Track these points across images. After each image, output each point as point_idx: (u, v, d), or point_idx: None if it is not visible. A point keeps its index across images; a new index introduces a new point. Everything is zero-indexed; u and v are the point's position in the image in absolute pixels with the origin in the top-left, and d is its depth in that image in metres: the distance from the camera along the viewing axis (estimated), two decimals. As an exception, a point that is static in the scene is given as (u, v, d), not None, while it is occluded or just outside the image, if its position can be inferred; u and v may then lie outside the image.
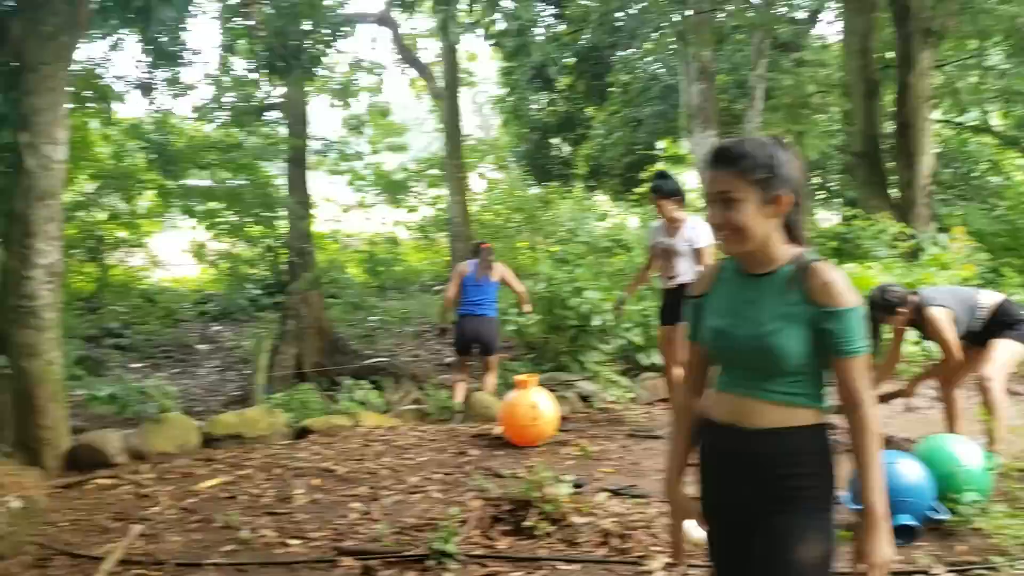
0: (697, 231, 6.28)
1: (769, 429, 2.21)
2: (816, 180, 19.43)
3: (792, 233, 2.24)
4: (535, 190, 20.31)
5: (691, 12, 14.03)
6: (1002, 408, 5.22)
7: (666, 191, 6.31)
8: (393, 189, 19.52)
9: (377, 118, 21.00)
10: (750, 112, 14.99)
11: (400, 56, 19.21)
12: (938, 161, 13.50)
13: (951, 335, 5.26)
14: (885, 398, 5.97)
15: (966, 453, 4.56)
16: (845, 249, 9.95)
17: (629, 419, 6.98)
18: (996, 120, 18.66)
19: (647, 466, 5.80)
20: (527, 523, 4.60)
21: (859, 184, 11.76)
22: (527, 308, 7.34)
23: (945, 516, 4.31)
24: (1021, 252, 10.34)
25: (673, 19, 14.78)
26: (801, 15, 17.49)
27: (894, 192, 11.44)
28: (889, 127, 11.80)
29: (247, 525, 4.79)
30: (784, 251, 2.21)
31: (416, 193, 20.14)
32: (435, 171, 19.94)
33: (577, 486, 5.25)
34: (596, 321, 7.52)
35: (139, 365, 12.70)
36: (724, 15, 14.56)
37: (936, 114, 17.87)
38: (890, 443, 5.78)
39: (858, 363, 2.13)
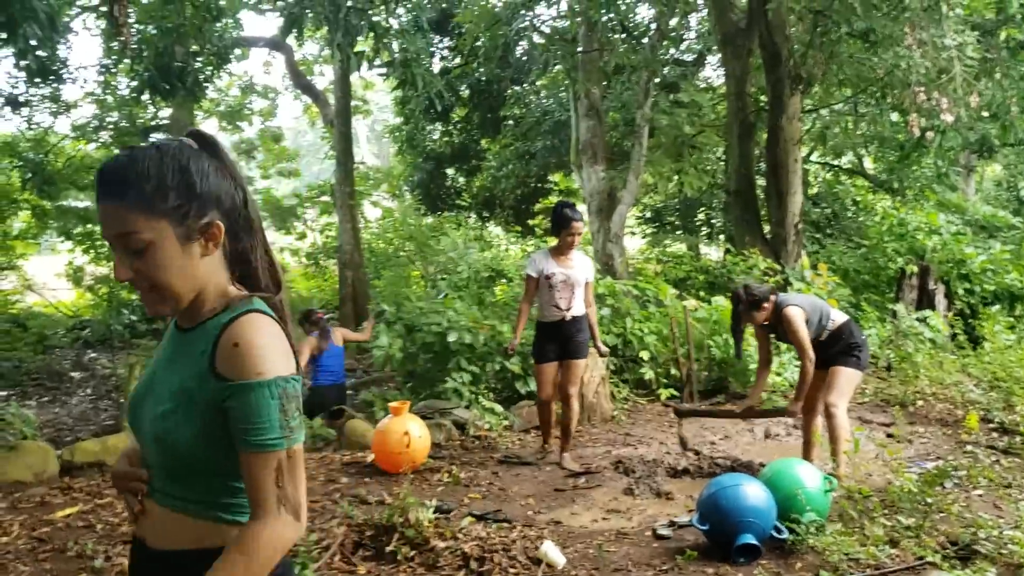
0: (588, 263, 6.56)
1: (172, 551, 1.62)
2: (701, 216, 20.10)
3: (243, 268, 1.67)
4: (428, 220, 20.39)
5: (580, 50, 14.42)
6: (844, 431, 5.51)
7: (581, 219, 6.40)
8: (283, 215, 19.31)
9: (269, 143, 20.82)
10: (636, 149, 15.42)
11: (294, 81, 19.13)
12: (809, 201, 14.18)
13: (805, 335, 5.53)
14: (766, 414, 6.32)
15: (807, 476, 4.81)
16: (717, 282, 10.34)
17: (502, 446, 7.08)
18: (869, 163, 19.68)
19: (514, 492, 5.90)
20: (389, 548, 4.64)
21: (734, 221, 12.22)
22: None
23: (786, 535, 4.53)
24: (880, 289, 10.93)
25: (563, 56, 15.19)
26: (688, 57, 18.16)
27: (767, 229, 11.94)
28: (763, 167, 12.32)
29: (102, 553, 4.68)
30: (221, 296, 1.63)
31: (306, 220, 19.97)
32: (327, 198, 19.82)
33: (443, 511, 5.32)
34: (452, 336, 7.61)
35: (5, 393, 12.18)
36: (610, 55, 14.98)
37: (815, 155, 18.78)
38: (747, 467, 6.04)
39: (266, 461, 1.50)
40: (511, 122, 19.95)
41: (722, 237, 19.48)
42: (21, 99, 11.96)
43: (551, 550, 4.57)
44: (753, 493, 4.60)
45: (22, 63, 6.79)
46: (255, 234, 1.67)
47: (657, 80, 14.67)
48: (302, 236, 19.96)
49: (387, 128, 24.13)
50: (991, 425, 6.90)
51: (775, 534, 4.56)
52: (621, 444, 7.07)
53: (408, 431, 6.22)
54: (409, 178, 21.65)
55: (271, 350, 1.54)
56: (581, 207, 22.79)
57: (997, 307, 9.95)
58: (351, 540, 4.79)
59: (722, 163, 16.99)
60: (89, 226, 15.06)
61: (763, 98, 12.99)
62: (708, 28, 16.23)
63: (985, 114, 10.22)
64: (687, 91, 13.08)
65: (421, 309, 7.92)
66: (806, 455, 5.90)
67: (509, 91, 19.62)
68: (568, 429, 6.47)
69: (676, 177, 18.84)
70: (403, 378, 8.70)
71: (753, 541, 4.43)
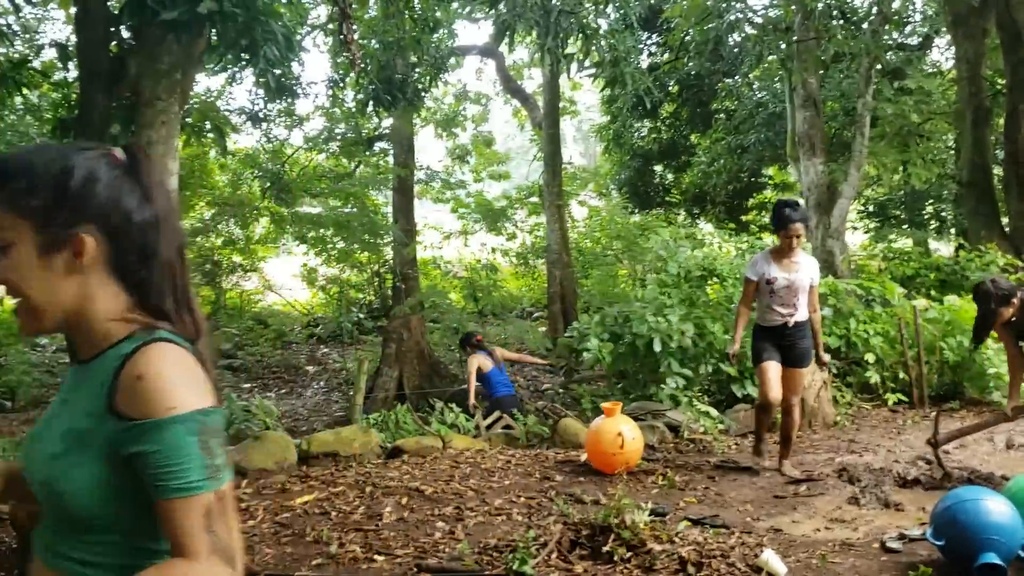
0: (814, 264, 6.20)
1: None
2: (929, 209, 18.86)
3: (145, 295, 1.43)
4: (636, 218, 20.31)
5: (795, 39, 13.90)
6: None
7: (805, 219, 6.06)
8: (493, 217, 19.83)
9: (481, 147, 21.43)
10: (857, 139, 14.68)
11: (504, 86, 19.58)
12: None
13: None
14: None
15: (1059, 494, 4.41)
16: (950, 280, 9.66)
17: (718, 450, 6.94)
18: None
19: (732, 497, 5.77)
20: (605, 548, 4.65)
21: (968, 213, 11.38)
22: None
23: (1034, 558, 4.17)
24: None
25: (780, 46, 14.68)
26: (913, 41, 17.10)
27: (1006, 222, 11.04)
28: (1001, 155, 11.41)
29: (336, 540, 4.98)
30: (121, 322, 1.41)
31: (515, 221, 20.42)
32: (535, 199, 20.19)
33: (659, 514, 5.28)
34: (657, 346, 7.50)
35: (249, 385, 13.25)
36: (828, 43, 14.34)
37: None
38: (986, 480, 5.61)
39: (192, 506, 1.30)
40: (722, 116, 19.52)
41: (953, 231, 18.23)
42: (261, 115, 12.96)
43: (772, 558, 4.42)
44: (997, 509, 4.26)
45: (261, 81, 7.32)
46: (160, 267, 1.43)
47: (879, 67, 13.92)
48: (512, 237, 20.40)
49: (594, 127, 24.26)
50: None
51: (1021, 554, 4.20)
52: (845, 451, 6.75)
53: (621, 432, 6.22)
54: (616, 176, 21.66)
55: (183, 382, 1.33)
56: (800, 200, 21.99)
57: None
58: (567, 538, 4.84)
59: (952, 152, 15.88)
60: (322, 231, 16.08)
61: (1000, 81, 12.01)
62: (936, 9, 15.21)
63: None
64: (913, 77, 12.27)
65: (626, 315, 7.86)
66: None
67: (720, 84, 19.22)
68: (789, 437, 6.20)
69: (901, 168, 17.80)
70: (613, 379, 8.71)
71: (998, 561, 4.11)
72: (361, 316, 17.45)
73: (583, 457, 6.65)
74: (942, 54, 18.46)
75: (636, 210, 20.53)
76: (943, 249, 19.09)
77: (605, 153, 22.48)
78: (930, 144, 15.61)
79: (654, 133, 20.91)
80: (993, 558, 4.12)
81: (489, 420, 8.08)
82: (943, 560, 4.33)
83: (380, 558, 4.73)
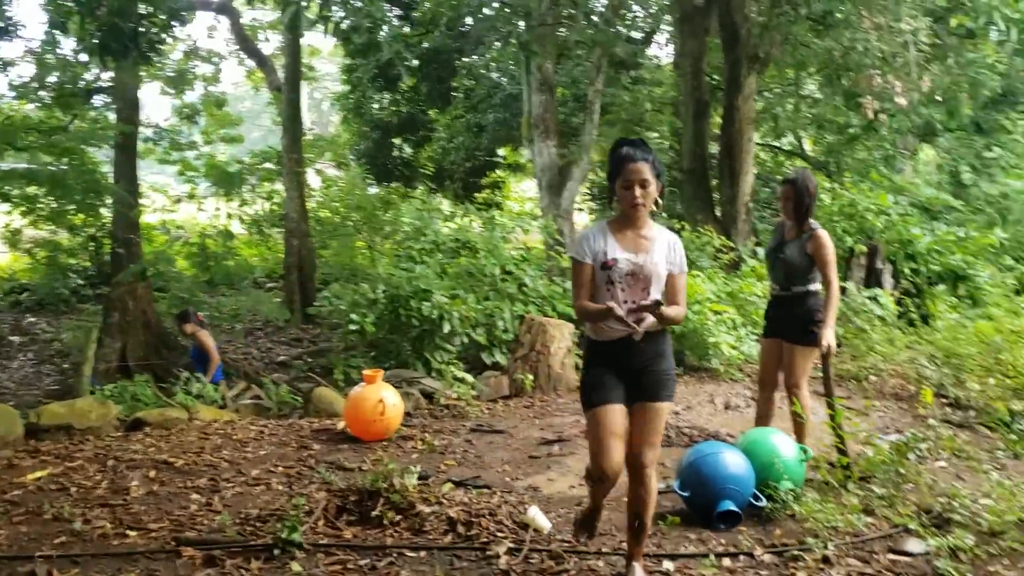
0: (675, 242, 3.88)
1: None
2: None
3: None
4: (374, 190, 20.19)
5: (535, 23, 14.40)
6: (808, 410, 5.58)
7: (653, 161, 4.09)
8: (226, 181, 18.92)
9: (212, 108, 20.34)
10: (587, 125, 15.48)
11: (240, 45, 18.70)
12: (760, 180, 14.42)
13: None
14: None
15: (783, 445, 4.95)
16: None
17: (472, 415, 7.12)
18: (808, 146, 20.08)
19: (490, 459, 5.95)
20: (374, 513, 4.64)
21: (686, 199, 12.39)
22: None
23: (764, 503, 4.66)
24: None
25: (518, 28, 15.12)
26: (637, 35, 18.27)
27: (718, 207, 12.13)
28: (716, 147, 12.50)
29: (80, 516, 4.61)
30: None
31: (250, 186, 19.60)
32: (270, 165, 19.48)
33: (423, 478, 5.34)
34: (446, 327, 7.60)
35: (-59, 356, 11.81)
36: (565, 30, 14.99)
37: (755, 137, 19.08)
38: (714, 438, 6.17)
39: None
40: (461, 94, 19.82)
41: (665, 215, 19.75)
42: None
43: (537, 515, 4.63)
44: (733, 461, 4.72)
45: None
46: None
47: (611, 56, 14.74)
48: (244, 203, 19.55)
49: (334, 96, 23.77)
50: (944, 400, 7.16)
51: (753, 501, 4.68)
52: (589, 414, 7.15)
53: (383, 399, 6.22)
54: (355, 147, 21.40)
55: None
56: (531, 182, 22.78)
57: (942, 287, 10.28)
58: (334, 505, 4.78)
59: (670, 142, 17.16)
60: (32, 188, 14.58)
61: (716, 77, 13.15)
62: (661, 6, 16.36)
63: (936, 99, 10.49)
64: (648, 69, 13.15)
65: (406, 287, 7.82)
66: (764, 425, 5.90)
67: (459, 62, 19.50)
68: (642, 522, 3.83)
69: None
70: (364, 348, 8.66)
71: (734, 508, 4.56)
72: (80, 283, 16.04)
73: (340, 425, 6.58)
74: (661, 49, 19.91)
75: (375, 182, 20.41)
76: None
77: (344, 123, 22.13)
78: (651, 134, 16.82)
79: (394, 106, 20.85)
80: (730, 505, 4.56)
81: (236, 391, 7.77)
82: (687, 510, 4.73)
83: (133, 533, 4.44)
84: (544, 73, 15.09)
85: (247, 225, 19.15)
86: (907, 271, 10.45)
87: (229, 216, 18.99)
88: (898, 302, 9.93)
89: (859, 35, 9.86)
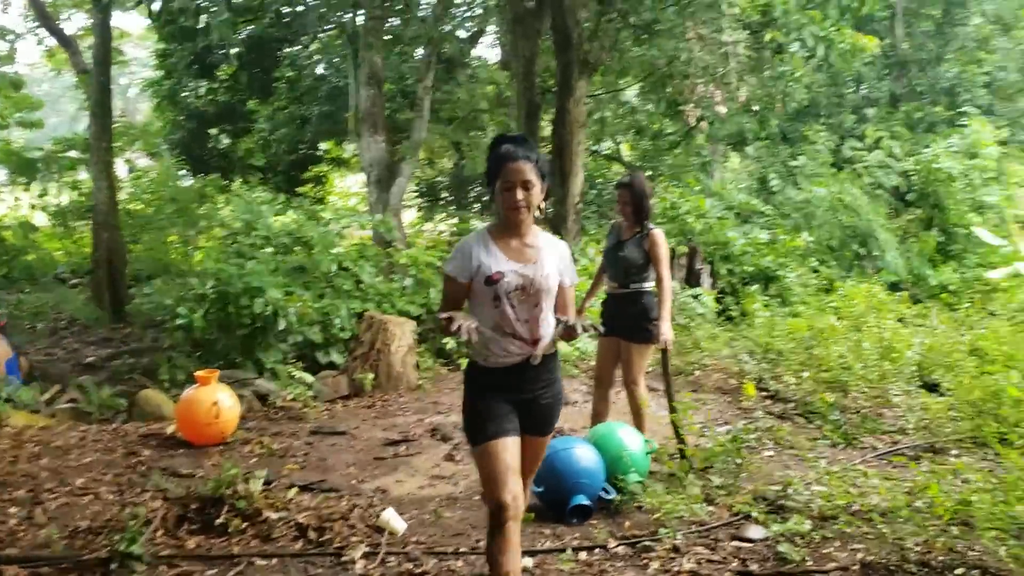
0: (563, 250, 3.60)
1: None
2: (474, 192, 20.46)
3: None
4: (190, 181, 19.28)
5: (364, 14, 14.19)
6: (646, 406, 5.65)
7: (536, 160, 4.39)
8: (26, 169, 17.53)
9: (7, 90, 18.79)
10: (418, 122, 15.41)
11: (41, 23, 17.38)
12: (587, 183, 14.79)
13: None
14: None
15: (630, 439, 5.09)
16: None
17: (311, 417, 6.91)
18: (625, 150, 20.85)
19: (334, 461, 5.80)
20: (219, 521, 4.42)
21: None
22: None
23: (614, 496, 4.77)
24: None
25: (345, 19, 14.86)
26: (463, 34, 18.35)
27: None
28: (546, 148, 12.73)
29: None
30: None
31: (54, 175, 18.25)
32: (76, 153, 18.21)
33: (265, 483, 5.13)
34: (281, 325, 7.32)
35: None
36: (397, 23, 14.88)
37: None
38: (557, 432, 6.26)
39: None
40: (284, 84, 19.27)
41: (486, 214, 19.97)
42: None
43: (392, 517, 4.54)
44: (585, 456, 4.80)
45: None
46: None
47: (439, 53, 14.75)
48: (44, 193, 18.17)
49: (143, 82, 22.52)
50: (765, 393, 7.58)
51: (603, 495, 4.78)
52: (432, 412, 7.11)
53: (218, 401, 5.94)
54: (169, 137, 20.36)
55: None
56: (355, 177, 22.40)
57: (755, 286, 10.91)
58: (174, 514, 4.52)
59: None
60: None
61: (549, 81, 13.39)
62: (491, 6, 16.49)
63: (750, 109, 11.11)
64: (485, 67, 13.22)
65: (237, 283, 7.45)
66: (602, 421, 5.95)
67: (282, 52, 18.94)
68: None
69: (452, 152, 19.15)
70: (189, 348, 8.22)
71: (586, 502, 4.64)
72: None
73: (170, 429, 6.23)
74: (490, 48, 20.07)
75: (192, 173, 19.50)
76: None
77: (157, 111, 21.01)
78: (480, 133, 16.98)
79: (211, 95, 19.98)
80: (583, 500, 4.64)
81: (48, 394, 7.20)
82: (541, 506, 4.77)
83: (-58, 554, 4.02)
84: (372, 67, 14.89)
85: (51, 217, 17.83)
86: (724, 271, 11.03)
87: (32, 207, 17.61)
88: (717, 300, 10.46)
89: (683, 45, 10.28)
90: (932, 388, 7.40)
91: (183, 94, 19.73)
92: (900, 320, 9.02)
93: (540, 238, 3.37)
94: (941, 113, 16.57)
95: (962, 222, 12.99)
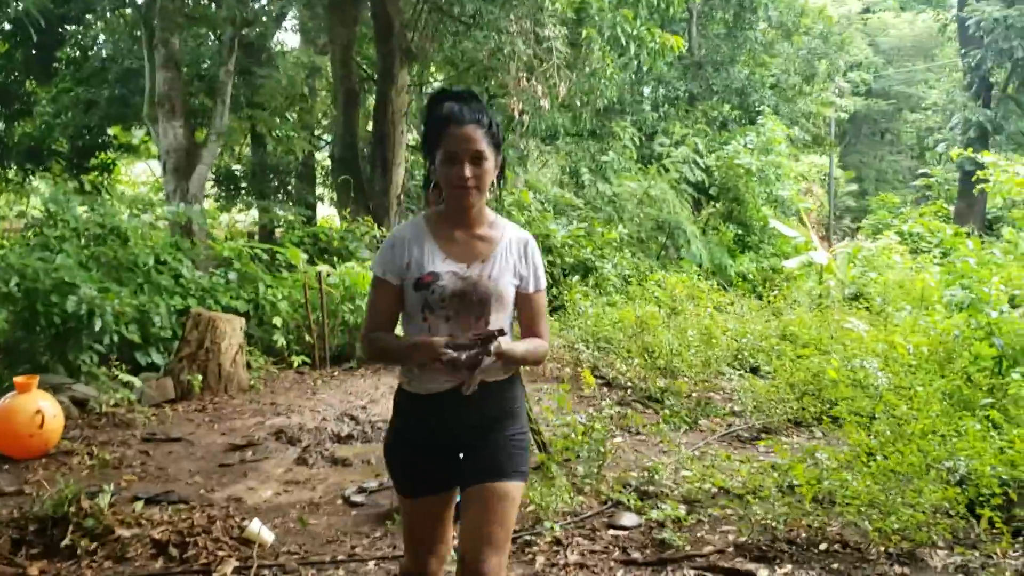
0: (527, 242, 2.75)
1: None
2: (276, 182, 19.73)
3: None
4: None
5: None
6: None
7: (487, 123, 4.15)
8: None
9: None
10: (219, 107, 14.68)
11: None
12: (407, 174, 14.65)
13: None
14: None
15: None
16: (330, 248, 10.31)
17: (139, 423, 6.41)
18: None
19: (175, 470, 5.42)
20: (64, 543, 4.02)
21: (338, 187, 12.25)
22: None
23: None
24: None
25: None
26: (265, 17, 17.64)
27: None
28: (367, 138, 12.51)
29: None
30: None
31: None
32: None
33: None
34: (97, 325, 6.72)
35: None
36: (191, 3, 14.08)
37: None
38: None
39: None
40: (69, 66, 17.81)
41: (292, 204, 19.35)
42: None
43: (261, 528, 4.30)
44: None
45: None
46: None
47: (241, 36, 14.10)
48: None
49: None
50: (601, 380, 7.77)
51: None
52: (271, 414, 6.78)
53: (41, 409, 5.40)
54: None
55: None
56: (143, 165, 21.08)
57: (576, 277, 11.19)
58: (8, 538, 4.07)
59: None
60: None
61: (367, 69, 13.14)
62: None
63: (564, 104, 11.36)
64: (303, 52, 12.75)
65: (44, 280, 6.76)
66: None
67: (64, 30, 17.48)
68: None
69: (250, 139, 18.38)
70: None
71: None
72: None
73: (-21, 443, 5.60)
74: (292, 33, 19.38)
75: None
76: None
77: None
78: (277, 120, 16.32)
79: (-18, 73, 18.14)
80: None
81: None
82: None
83: None
84: (170, 49, 14.07)
85: None
86: (546, 262, 11.24)
87: None
88: (543, 291, 10.63)
89: (505, 38, 10.35)
90: (753, 372, 7.87)
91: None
92: (716, 308, 9.52)
93: (496, 228, 2.58)
94: (732, 112, 17.67)
95: (758, 215, 13.92)
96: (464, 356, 2.34)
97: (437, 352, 2.34)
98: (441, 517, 2.64)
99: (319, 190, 20.80)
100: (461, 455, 2.57)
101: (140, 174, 24.09)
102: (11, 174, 18.82)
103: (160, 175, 16.73)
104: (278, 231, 12.80)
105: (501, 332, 2.41)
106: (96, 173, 19.71)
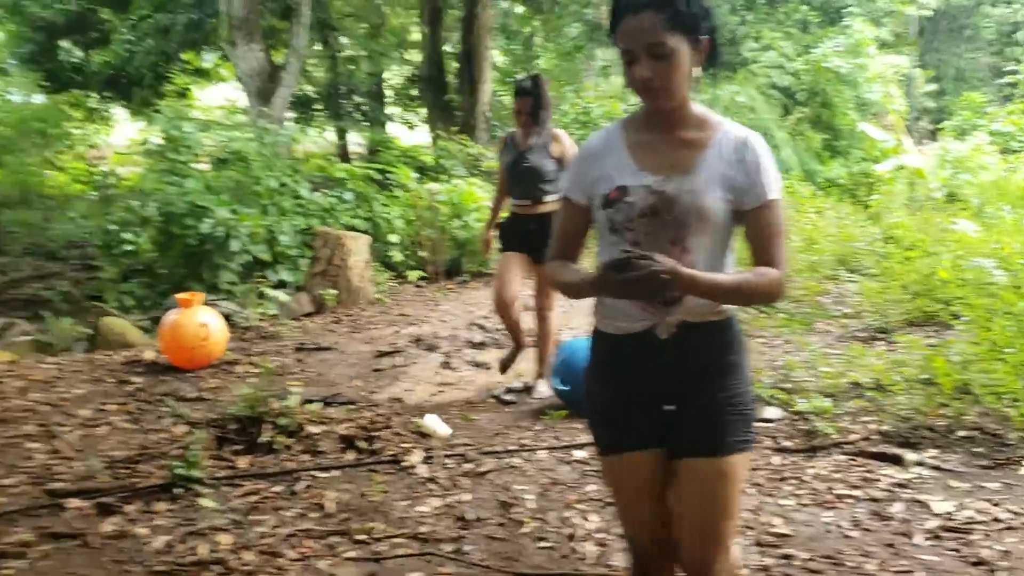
0: (752, 145, 2.18)
1: None
2: (351, 102, 19.92)
3: None
4: (41, 98, 17.91)
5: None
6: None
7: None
8: None
9: None
10: (295, 27, 14.76)
11: None
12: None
13: None
14: None
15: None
16: (426, 166, 10.53)
17: (285, 335, 6.81)
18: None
19: (334, 376, 5.81)
20: (262, 439, 4.41)
21: (428, 106, 12.41)
22: None
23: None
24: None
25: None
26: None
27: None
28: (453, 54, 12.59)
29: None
30: None
31: None
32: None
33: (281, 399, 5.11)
34: (234, 246, 7.09)
35: None
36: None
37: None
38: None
39: None
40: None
41: (369, 124, 19.54)
42: None
43: (436, 423, 4.65)
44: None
45: None
46: None
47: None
48: None
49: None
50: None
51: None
52: (404, 324, 7.15)
53: (206, 323, 5.79)
54: (16, 51, 18.76)
55: None
56: (217, 88, 21.33)
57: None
58: (213, 437, 4.47)
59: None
60: None
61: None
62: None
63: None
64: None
65: (179, 203, 7.13)
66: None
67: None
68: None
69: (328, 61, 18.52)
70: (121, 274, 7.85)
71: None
72: None
73: (148, 354, 6.04)
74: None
75: (46, 90, 18.10)
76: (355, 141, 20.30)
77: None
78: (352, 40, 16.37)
79: (60, 3, 18.46)
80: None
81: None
82: (561, 404, 4.96)
83: (-13, 493, 3.86)
84: (248, -30, 14.15)
85: None
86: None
87: None
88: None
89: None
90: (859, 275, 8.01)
91: (24, 2, 18.14)
92: (818, 212, 9.61)
93: (707, 129, 2.05)
94: (811, 13, 17.19)
95: (846, 119, 13.76)
96: (625, 279, 1.81)
97: (615, 279, 1.84)
98: (647, 477, 2.16)
99: (388, 110, 20.98)
100: (669, 408, 2.08)
101: (214, 98, 24.34)
102: (93, 103, 19.28)
103: (239, 99, 17.03)
104: (354, 150, 12.93)
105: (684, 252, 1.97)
106: (171, 98, 20.06)
